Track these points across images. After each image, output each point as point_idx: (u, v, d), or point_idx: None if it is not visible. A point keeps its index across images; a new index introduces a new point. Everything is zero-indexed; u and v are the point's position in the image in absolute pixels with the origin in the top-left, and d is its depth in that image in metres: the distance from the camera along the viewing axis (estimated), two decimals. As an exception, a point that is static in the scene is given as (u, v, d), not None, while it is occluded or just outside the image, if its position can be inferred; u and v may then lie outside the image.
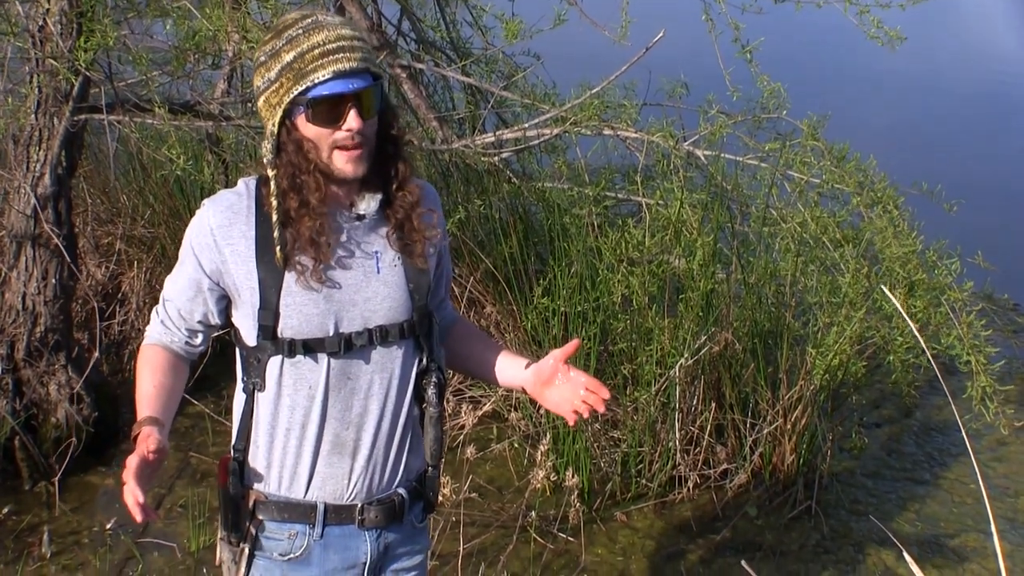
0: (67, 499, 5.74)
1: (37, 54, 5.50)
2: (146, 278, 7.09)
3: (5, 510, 5.62)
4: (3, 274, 5.83)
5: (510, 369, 3.26)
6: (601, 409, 3.08)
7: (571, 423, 3.15)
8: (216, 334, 3.13)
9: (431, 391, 3.07)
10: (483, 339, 3.43)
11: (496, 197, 6.81)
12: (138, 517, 2.75)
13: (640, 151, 6.64)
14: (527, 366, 3.19)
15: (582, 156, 6.93)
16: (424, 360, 3.07)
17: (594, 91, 6.58)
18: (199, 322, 3.02)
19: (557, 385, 3.11)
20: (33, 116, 5.58)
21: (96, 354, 6.02)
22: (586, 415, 3.09)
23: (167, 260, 7.19)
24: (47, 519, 5.60)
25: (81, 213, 7.09)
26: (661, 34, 6.32)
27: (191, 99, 6.05)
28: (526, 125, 6.77)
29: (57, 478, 5.74)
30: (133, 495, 2.73)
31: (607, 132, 6.61)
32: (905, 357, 5.96)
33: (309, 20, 2.78)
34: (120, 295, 7.13)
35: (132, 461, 2.76)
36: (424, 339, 3.07)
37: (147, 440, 2.80)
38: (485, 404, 6.42)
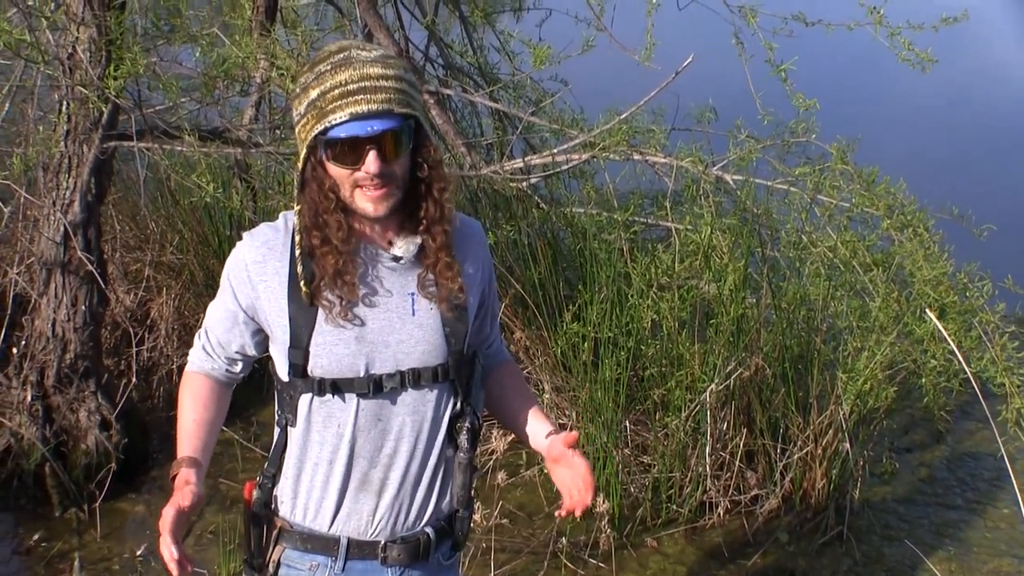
0: (97, 525, 5.74)
1: (67, 82, 5.52)
2: (175, 304, 7.10)
3: (36, 537, 5.62)
4: (33, 301, 5.85)
5: (534, 433, 3.20)
6: (578, 514, 3.06)
7: (560, 513, 3.11)
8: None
9: (463, 436, 3.02)
10: (521, 392, 3.34)
11: (525, 222, 6.80)
12: (175, 573, 2.78)
13: (669, 176, 6.63)
14: (548, 434, 3.13)
15: (610, 181, 6.92)
16: (459, 404, 3.03)
17: (622, 116, 6.58)
18: (236, 352, 3.03)
19: (563, 465, 3.05)
20: (63, 144, 5.60)
21: (131, 380, 6.04)
22: (565, 514, 3.08)
23: (196, 287, 7.21)
24: (78, 546, 5.60)
25: (110, 240, 7.11)
26: (690, 59, 6.32)
27: (220, 126, 6.07)
28: (554, 150, 6.77)
29: (96, 505, 5.75)
30: (169, 551, 2.75)
31: (636, 157, 6.61)
32: (937, 380, 5.93)
33: (341, 56, 2.74)
34: (149, 322, 7.14)
35: (168, 514, 2.79)
36: (460, 383, 3.03)
37: (182, 491, 2.85)
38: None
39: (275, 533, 3.01)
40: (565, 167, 6.81)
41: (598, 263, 6.10)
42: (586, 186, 7.26)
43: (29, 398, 5.75)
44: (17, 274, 6.11)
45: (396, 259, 2.89)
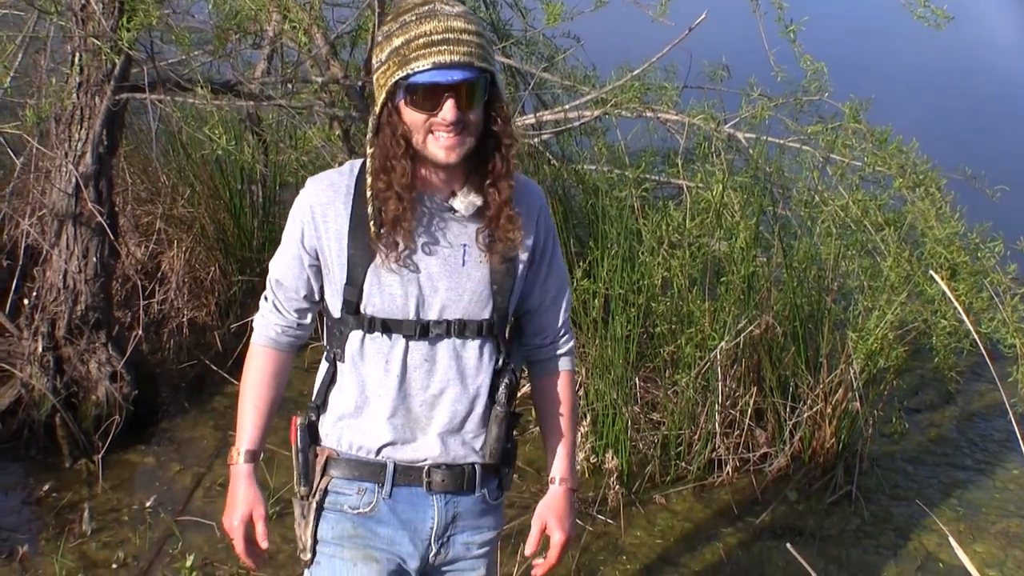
0: (107, 477, 5.74)
1: (79, 33, 5.50)
2: (186, 258, 7.09)
3: (46, 487, 5.63)
4: (44, 252, 5.85)
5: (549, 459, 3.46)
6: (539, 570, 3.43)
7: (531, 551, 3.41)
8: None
9: (502, 391, 3.14)
10: (554, 414, 3.46)
11: (536, 179, 6.78)
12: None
13: (681, 134, 6.62)
14: (551, 481, 3.45)
15: (622, 138, 6.90)
16: (500, 361, 3.15)
17: (635, 73, 6.56)
18: (305, 297, 3.12)
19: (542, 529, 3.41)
20: (75, 95, 5.58)
21: (138, 331, 6.05)
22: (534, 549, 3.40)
23: (207, 240, 7.20)
24: (87, 496, 5.61)
25: (121, 192, 7.09)
26: (703, 16, 6.30)
27: (232, 79, 6.04)
28: (566, 107, 6.76)
29: (100, 456, 5.76)
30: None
31: (648, 114, 6.60)
32: (947, 341, 5.92)
33: (426, 8, 2.82)
34: (160, 275, 7.14)
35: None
36: (503, 341, 3.15)
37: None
38: (524, 385, 6.38)
39: (322, 463, 3.12)
40: (577, 123, 6.79)
41: (609, 220, 6.10)
42: (598, 143, 7.24)
43: (40, 349, 5.76)
44: (29, 225, 6.12)
45: (453, 211, 2.98)
